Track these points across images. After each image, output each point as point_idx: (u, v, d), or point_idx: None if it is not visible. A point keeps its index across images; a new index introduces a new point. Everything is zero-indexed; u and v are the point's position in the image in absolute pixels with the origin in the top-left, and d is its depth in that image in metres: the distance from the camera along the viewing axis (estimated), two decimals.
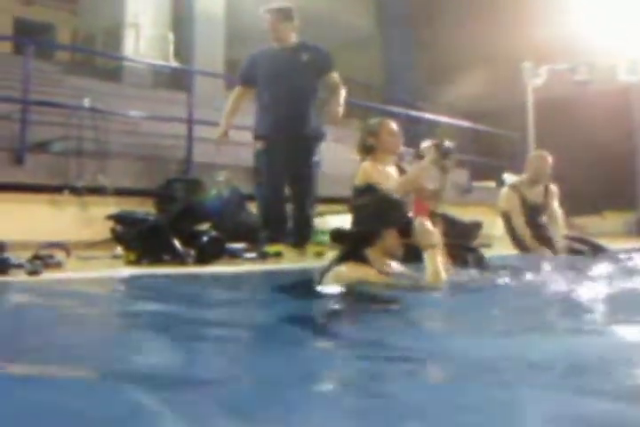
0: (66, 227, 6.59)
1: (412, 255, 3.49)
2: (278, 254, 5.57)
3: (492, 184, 10.42)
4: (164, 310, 2.75)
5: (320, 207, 6.61)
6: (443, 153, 4.69)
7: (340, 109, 6.00)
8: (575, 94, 8.51)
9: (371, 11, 15.15)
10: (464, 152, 12.11)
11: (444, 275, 3.30)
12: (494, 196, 10.13)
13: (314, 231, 6.24)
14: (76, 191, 6.80)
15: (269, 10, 6.04)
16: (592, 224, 12.28)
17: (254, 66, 6.08)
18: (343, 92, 6.07)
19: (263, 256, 5.35)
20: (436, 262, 3.31)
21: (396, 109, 11.30)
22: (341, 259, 3.33)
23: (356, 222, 3.47)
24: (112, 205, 6.41)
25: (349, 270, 3.21)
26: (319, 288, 3.15)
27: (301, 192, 5.98)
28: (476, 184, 11.40)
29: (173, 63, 11.02)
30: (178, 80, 9.57)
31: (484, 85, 12.21)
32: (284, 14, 6.03)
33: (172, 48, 11.29)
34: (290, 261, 5.42)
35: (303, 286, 3.32)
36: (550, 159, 6.98)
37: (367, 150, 5.13)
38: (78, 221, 6.79)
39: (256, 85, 6.07)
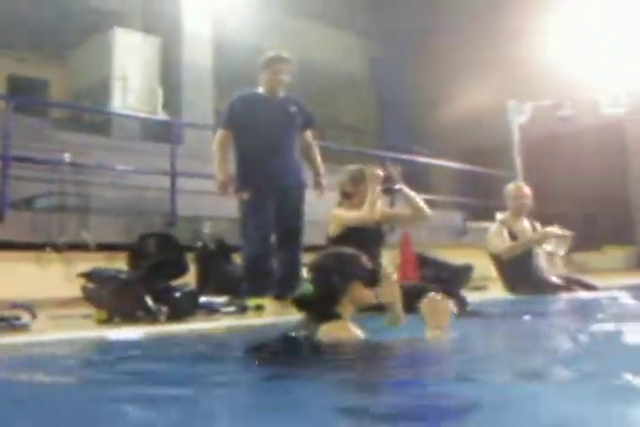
0: (49, 284, 6.48)
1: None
2: (260, 308, 5.43)
3: (487, 225, 10.28)
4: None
5: (311, 256, 6.48)
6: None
7: (323, 174, 6.07)
8: (562, 130, 8.45)
9: (361, 53, 15.22)
10: (458, 193, 12.09)
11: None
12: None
13: (301, 282, 6.09)
14: (58, 248, 6.71)
15: (289, 58, 5.95)
16: (592, 260, 12.12)
17: (242, 111, 5.88)
18: (317, 151, 6.09)
19: (243, 310, 5.22)
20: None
21: (388, 154, 11.29)
22: (313, 320, 3.16)
23: (315, 284, 3.30)
24: (97, 261, 6.32)
25: (332, 331, 3.03)
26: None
27: (292, 243, 5.85)
28: (471, 225, 11.30)
29: (162, 115, 11.02)
30: (167, 132, 9.53)
31: (474, 126, 12.21)
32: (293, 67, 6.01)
33: (160, 100, 11.30)
34: (272, 315, 5.27)
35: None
36: (528, 189, 6.91)
37: (345, 197, 5.08)
38: (62, 278, 6.68)
39: (240, 131, 5.88)
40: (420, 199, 5.16)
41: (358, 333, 3.06)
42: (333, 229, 4.94)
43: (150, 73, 11.55)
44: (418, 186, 11.97)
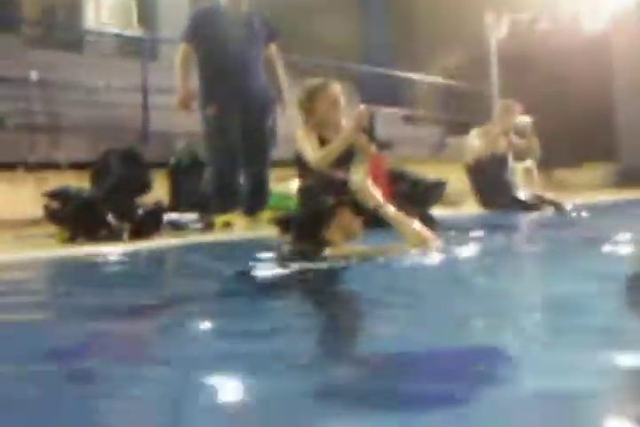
0: (20, 204, 6.46)
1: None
2: (228, 224, 5.45)
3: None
4: None
5: (280, 171, 6.44)
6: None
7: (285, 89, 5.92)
8: (542, 44, 8.29)
9: None
10: (439, 108, 11.99)
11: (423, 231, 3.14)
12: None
13: (269, 197, 6.07)
14: (30, 167, 6.66)
15: None
16: (572, 177, 12.14)
17: (205, 25, 5.71)
18: (281, 65, 5.95)
19: (209, 227, 5.23)
20: (404, 219, 3.17)
21: (368, 69, 11.18)
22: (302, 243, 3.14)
23: (302, 206, 3.32)
24: (68, 180, 6.27)
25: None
26: None
27: (257, 158, 5.80)
28: (450, 140, 11.26)
29: (136, 30, 10.75)
30: (143, 48, 9.28)
31: (454, 40, 11.97)
32: None
33: (134, 15, 11.01)
34: (241, 231, 5.30)
35: None
36: (518, 108, 6.87)
37: (304, 114, 4.91)
38: (33, 198, 6.65)
39: (204, 46, 5.73)
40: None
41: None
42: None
43: None
44: (399, 100, 11.98)
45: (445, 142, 11.24)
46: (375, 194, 3.22)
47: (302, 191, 3.39)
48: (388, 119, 11.66)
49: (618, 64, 12.80)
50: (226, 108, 5.61)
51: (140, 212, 4.53)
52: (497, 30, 7.57)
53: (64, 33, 11.20)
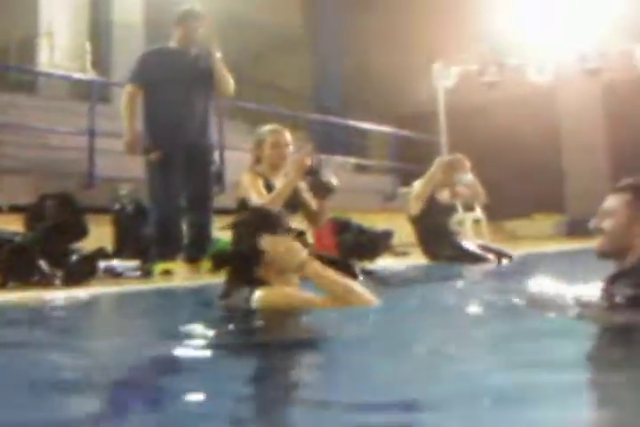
0: None
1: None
2: (168, 272, 5.34)
3: None
4: None
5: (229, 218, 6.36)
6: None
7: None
8: (489, 95, 8.42)
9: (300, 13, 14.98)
10: (390, 158, 12.07)
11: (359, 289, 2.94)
12: None
13: (212, 245, 5.99)
14: None
15: (203, 14, 5.69)
16: (522, 227, 12.27)
17: (153, 66, 5.62)
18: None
19: (147, 274, 5.12)
20: (334, 279, 2.93)
21: (320, 117, 11.24)
22: (236, 282, 3.03)
23: (235, 242, 3.16)
24: (8, 224, 6.12)
25: (272, 294, 2.89)
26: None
27: (201, 205, 5.72)
28: (401, 190, 11.32)
29: (91, 74, 10.71)
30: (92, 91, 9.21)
31: (405, 90, 12.15)
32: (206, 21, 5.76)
33: (89, 58, 10.99)
34: (181, 279, 5.19)
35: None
36: (467, 164, 6.88)
37: (253, 159, 4.92)
38: None
39: (150, 88, 5.61)
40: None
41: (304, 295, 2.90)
42: (240, 194, 4.78)
43: (79, 29, 11.21)
44: (352, 150, 12.05)
45: (397, 192, 11.29)
46: (300, 252, 3.02)
47: (235, 226, 3.22)
48: (339, 168, 11.73)
49: (564, 117, 13.12)
50: (170, 154, 5.53)
51: (74, 258, 4.40)
52: (445, 80, 7.64)
53: (17, 74, 11.11)
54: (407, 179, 11.30)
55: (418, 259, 6.82)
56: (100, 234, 7.12)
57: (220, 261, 3.29)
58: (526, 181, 12.59)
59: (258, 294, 2.86)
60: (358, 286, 2.95)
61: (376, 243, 6.92)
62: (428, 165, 8.97)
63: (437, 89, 7.79)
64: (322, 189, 4.47)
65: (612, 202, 2.75)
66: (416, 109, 10.83)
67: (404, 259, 7.41)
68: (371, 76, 13.62)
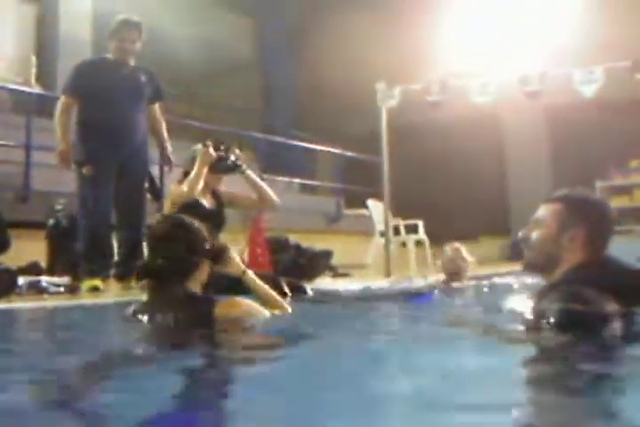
0: None
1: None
2: (95, 289, 5.20)
3: (364, 212, 10.29)
4: None
5: None
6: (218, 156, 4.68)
7: (169, 149, 5.85)
8: (433, 115, 8.43)
9: (250, 35, 15.01)
10: (335, 179, 12.07)
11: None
12: (366, 223, 10.07)
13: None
14: None
15: (138, 23, 5.61)
16: (469, 250, 12.28)
17: (87, 77, 5.53)
18: (164, 125, 5.88)
19: (73, 291, 4.99)
20: (263, 288, 3.31)
21: (266, 137, 11.22)
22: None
23: (160, 253, 3.05)
24: None
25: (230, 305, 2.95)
26: None
27: (134, 221, 5.60)
28: (348, 212, 11.33)
29: (35, 88, 10.51)
30: (41, 105, 9.05)
31: (350, 110, 12.20)
32: (142, 32, 5.67)
33: (33, 71, 10.79)
34: (111, 296, 5.07)
35: None
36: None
37: (184, 175, 4.87)
38: None
39: (85, 100, 5.52)
40: (265, 185, 5.00)
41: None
42: (167, 207, 4.73)
43: (24, 43, 11.01)
44: (296, 170, 12.02)
45: (342, 213, 11.28)
46: (238, 261, 3.27)
47: (160, 238, 3.11)
48: (284, 188, 11.68)
49: (507, 138, 13.29)
50: (103, 168, 5.42)
51: None
52: (388, 100, 7.62)
53: None
54: (352, 200, 11.34)
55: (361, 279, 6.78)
56: (34, 249, 6.98)
57: (142, 275, 3.18)
58: (471, 202, 12.66)
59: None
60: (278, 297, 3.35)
61: (315, 263, 6.88)
62: (372, 186, 9.00)
63: (381, 108, 7.75)
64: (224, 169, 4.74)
65: (542, 212, 2.65)
66: (362, 130, 10.85)
67: (348, 279, 7.35)
68: (319, 97, 13.65)
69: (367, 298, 4.94)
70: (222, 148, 4.76)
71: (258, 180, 4.94)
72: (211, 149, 4.70)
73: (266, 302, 3.20)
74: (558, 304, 2.39)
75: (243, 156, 4.90)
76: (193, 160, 4.82)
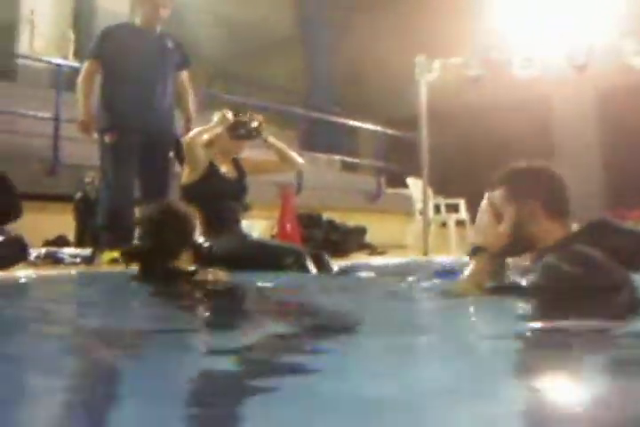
0: None
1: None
2: (116, 261, 5.01)
3: (405, 191, 9.99)
4: None
5: None
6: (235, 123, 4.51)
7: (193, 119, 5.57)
8: (475, 89, 8.06)
9: (291, 11, 14.77)
10: (376, 158, 11.77)
11: None
12: (406, 203, 9.79)
13: None
14: None
15: None
16: None
17: (113, 42, 5.29)
18: (191, 95, 5.65)
19: (90, 261, 4.80)
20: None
21: (307, 113, 11.02)
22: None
23: (140, 238, 3.20)
24: None
25: None
26: None
27: (156, 192, 5.33)
28: (389, 191, 11.06)
29: (73, 62, 10.40)
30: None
31: (392, 88, 11.85)
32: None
33: (71, 46, 10.68)
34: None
35: None
36: None
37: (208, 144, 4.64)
38: None
39: (109, 64, 5.27)
40: (287, 147, 4.79)
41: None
42: (186, 176, 4.50)
43: (62, 17, 10.91)
44: (339, 147, 11.77)
45: (383, 192, 11.02)
46: None
47: (151, 222, 3.13)
48: (325, 166, 11.44)
49: (554, 116, 12.78)
50: (126, 136, 5.19)
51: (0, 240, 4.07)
52: (428, 74, 7.28)
53: None
54: (393, 179, 11.05)
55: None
56: (62, 222, 6.87)
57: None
58: None
59: None
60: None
61: (347, 239, 6.64)
62: (414, 165, 8.70)
63: (419, 82, 7.40)
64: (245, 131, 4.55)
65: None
66: (404, 107, 10.51)
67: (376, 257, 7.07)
68: (361, 74, 13.37)
69: (396, 273, 4.65)
70: (241, 115, 4.55)
71: (279, 143, 4.72)
72: (228, 113, 4.49)
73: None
74: (565, 266, 2.05)
75: (264, 123, 4.67)
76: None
